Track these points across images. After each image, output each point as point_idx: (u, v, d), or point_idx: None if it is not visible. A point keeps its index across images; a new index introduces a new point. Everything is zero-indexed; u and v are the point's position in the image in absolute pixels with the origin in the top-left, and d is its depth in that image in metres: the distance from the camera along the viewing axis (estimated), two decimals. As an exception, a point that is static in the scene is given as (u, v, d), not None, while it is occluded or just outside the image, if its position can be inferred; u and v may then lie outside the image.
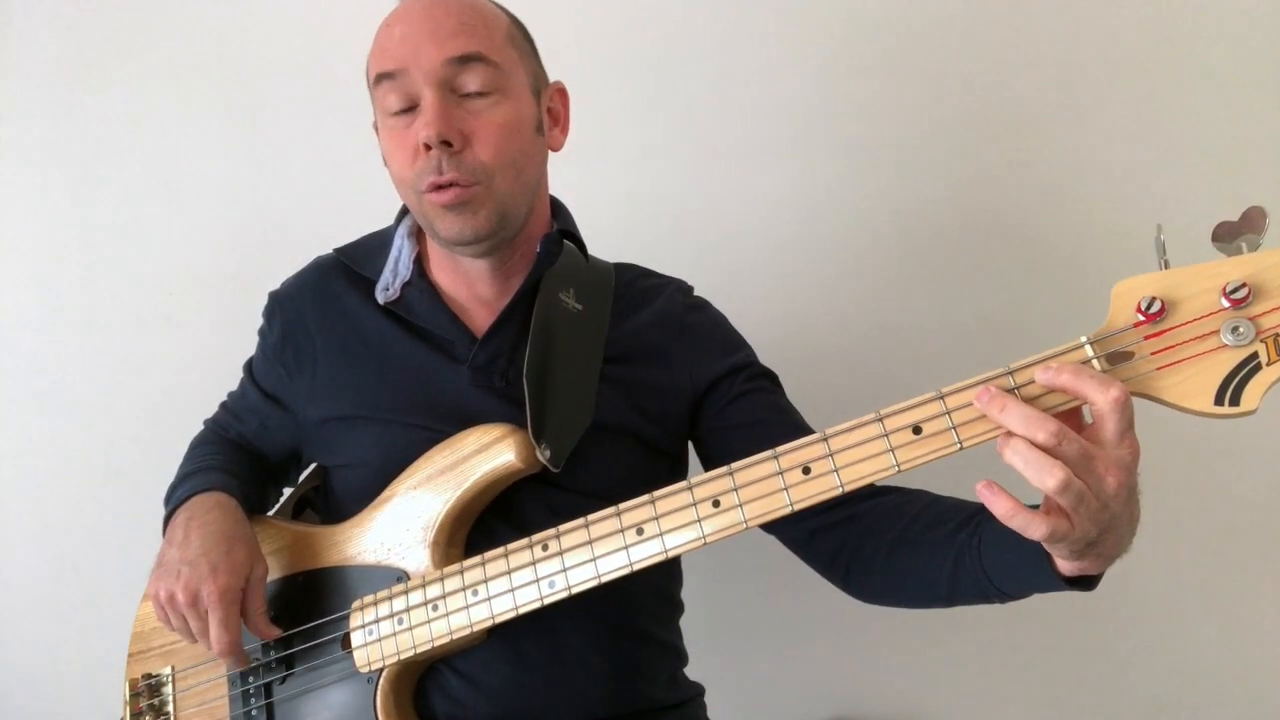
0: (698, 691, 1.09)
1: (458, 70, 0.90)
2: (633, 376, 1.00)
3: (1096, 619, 1.47)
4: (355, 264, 1.05)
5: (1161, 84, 1.41)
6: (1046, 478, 0.64)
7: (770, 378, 1.06)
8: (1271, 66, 1.38)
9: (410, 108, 0.92)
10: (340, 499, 1.02)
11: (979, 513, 0.84)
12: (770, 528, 1.00)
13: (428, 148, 0.89)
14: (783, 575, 1.16)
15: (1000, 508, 0.66)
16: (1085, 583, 0.75)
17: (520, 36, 0.98)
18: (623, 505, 0.83)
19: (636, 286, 1.07)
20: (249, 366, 1.12)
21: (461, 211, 0.91)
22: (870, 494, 0.94)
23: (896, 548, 0.89)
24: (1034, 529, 0.66)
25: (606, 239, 1.09)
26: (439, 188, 0.91)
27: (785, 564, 1.04)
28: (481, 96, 0.91)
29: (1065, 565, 0.72)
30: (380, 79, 0.92)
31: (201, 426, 1.14)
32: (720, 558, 1.40)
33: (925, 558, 0.87)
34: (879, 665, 1.52)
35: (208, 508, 0.95)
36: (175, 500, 0.99)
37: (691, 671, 1.09)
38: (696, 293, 1.10)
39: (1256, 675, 1.47)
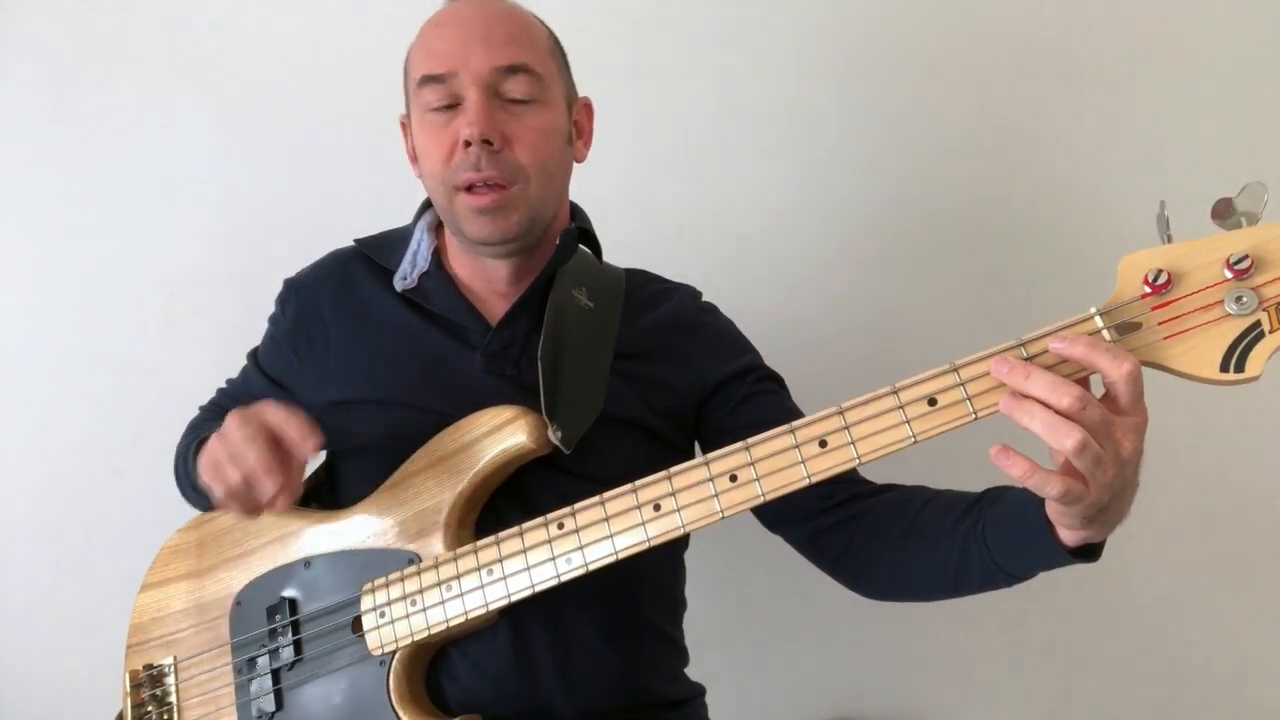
0: (698, 691, 1.10)
1: (504, 77, 0.94)
2: (643, 373, 1.02)
3: (1096, 618, 1.48)
4: (375, 254, 1.06)
5: (1161, 75, 1.44)
6: (1065, 439, 0.66)
7: (777, 380, 1.07)
8: (1270, 56, 1.42)
9: (450, 105, 0.94)
10: (349, 483, 1.02)
11: (980, 501, 0.86)
12: (776, 528, 1.02)
13: (468, 145, 0.92)
14: (783, 575, 1.16)
15: (1017, 469, 0.68)
16: (1088, 553, 0.76)
17: (558, 51, 1.02)
18: (639, 482, 0.84)
19: (647, 290, 1.09)
20: (253, 354, 1.13)
21: (495, 215, 0.94)
22: (872, 491, 0.96)
23: (902, 541, 0.90)
24: (1050, 487, 0.68)
25: (607, 243, 1.11)
26: (474, 189, 0.93)
27: (786, 564, 1.05)
28: (523, 103, 0.95)
29: (1069, 535, 0.74)
30: (427, 80, 0.95)
31: (198, 412, 1.14)
32: (722, 558, 1.41)
33: (931, 549, 0.88)
34: (879, 665, 1.52)
35: None
36: (196, 445, 0.98)
37: (692, 671, 1.10)
38: (702, 298, 1.13)
39: (1256, 675, 1.48)
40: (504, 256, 1.00)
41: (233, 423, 0.84)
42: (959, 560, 0.85)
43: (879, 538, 0.93)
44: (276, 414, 0.84)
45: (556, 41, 1.03)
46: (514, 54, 0.94)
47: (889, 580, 0.95)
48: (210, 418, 1.11)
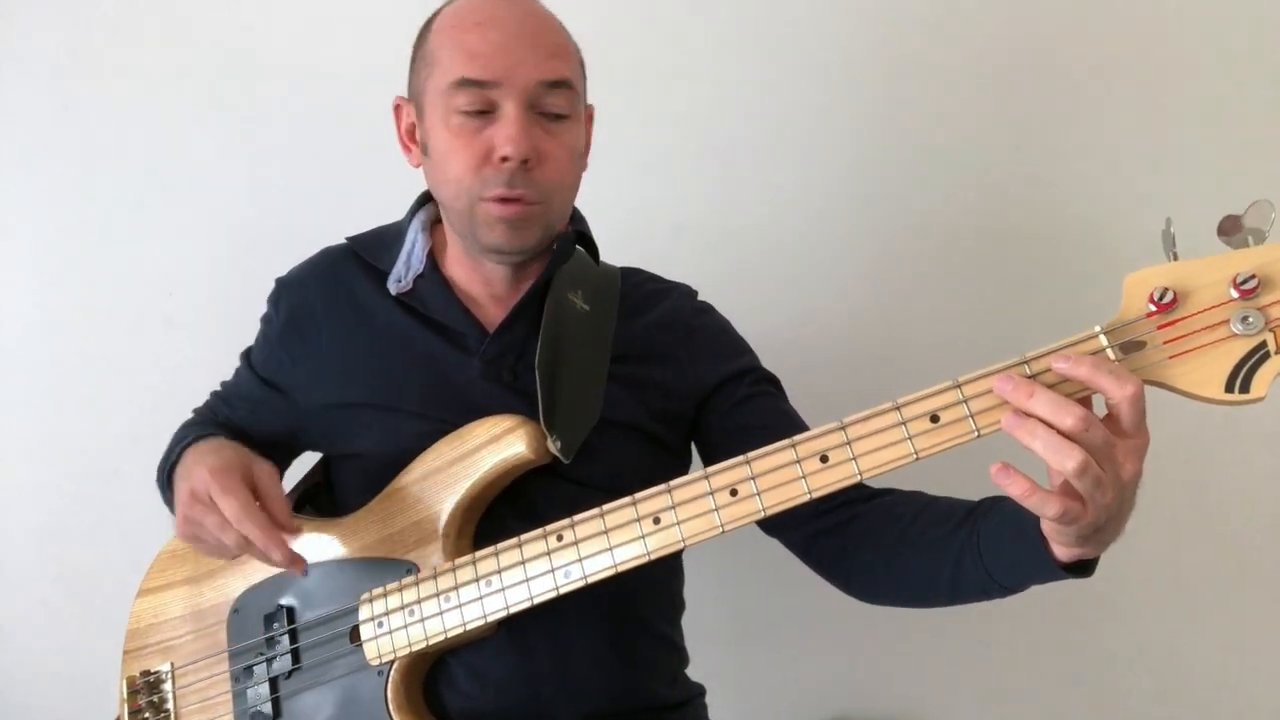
0: (698, 691, 1.10)
1: (545, 92, 0.91)
2: (640, 375, 1.01)
3: (1096, 619, 1.48)
4: (368, 254, 1.04)
5: (1170, 90, 1.44)
6: (1066, 460, 0.66)
7: (774, 382, 1.07)
8: (1275, 64, 1.41)
9: (483, 111, 0.91)
10: (345, 490, 1.01)
11: (975, 510, 0.86)
12: (773, 531, 1.02)
13: (503, 160, 0.89)
14: (783, 576, 1.16)
15: (1017, 488, 0.67)
16: (1081, 569, 0.76)
17: (582, 59, 1.00)
18: (639, 495, 0.83)
19: (643, 290, 1.08)
20: (246, 354, 1.12)
21: (516, 226, 0.93)
22: (869, 496, 0.96)
23: (897, 548, 0.90)
24: (1049, 507, 0.67)
25: (606, 242, 1.10)
26: (504, 200, 0.91)
27: (785, 564, 1.04)
28: (558, 119, 0.93)
29: (1063, 552, 0.74)
30: (466, 83, 0.90)
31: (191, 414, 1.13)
32: (721, 558, 1.41)
33: (926, 557, 0.88)
34: (879, 665, 1.52)
35: (207, 445, 0.95)
36: (172, 461, 0.98)
37: (692, 672, 1.10)
38: (698, 297, 1.12)
39: (1255, 675, 1.48)
40: (507, 263, 0.99)
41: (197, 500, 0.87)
42: (953, 570, 0.85)
43: (874, 543, 0.92)
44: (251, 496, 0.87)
45: (578, 48, 1.00)
46: (558, 68, 0.92)
47: (883, 586, 0.94)
48: (202, 420, 1.10)
